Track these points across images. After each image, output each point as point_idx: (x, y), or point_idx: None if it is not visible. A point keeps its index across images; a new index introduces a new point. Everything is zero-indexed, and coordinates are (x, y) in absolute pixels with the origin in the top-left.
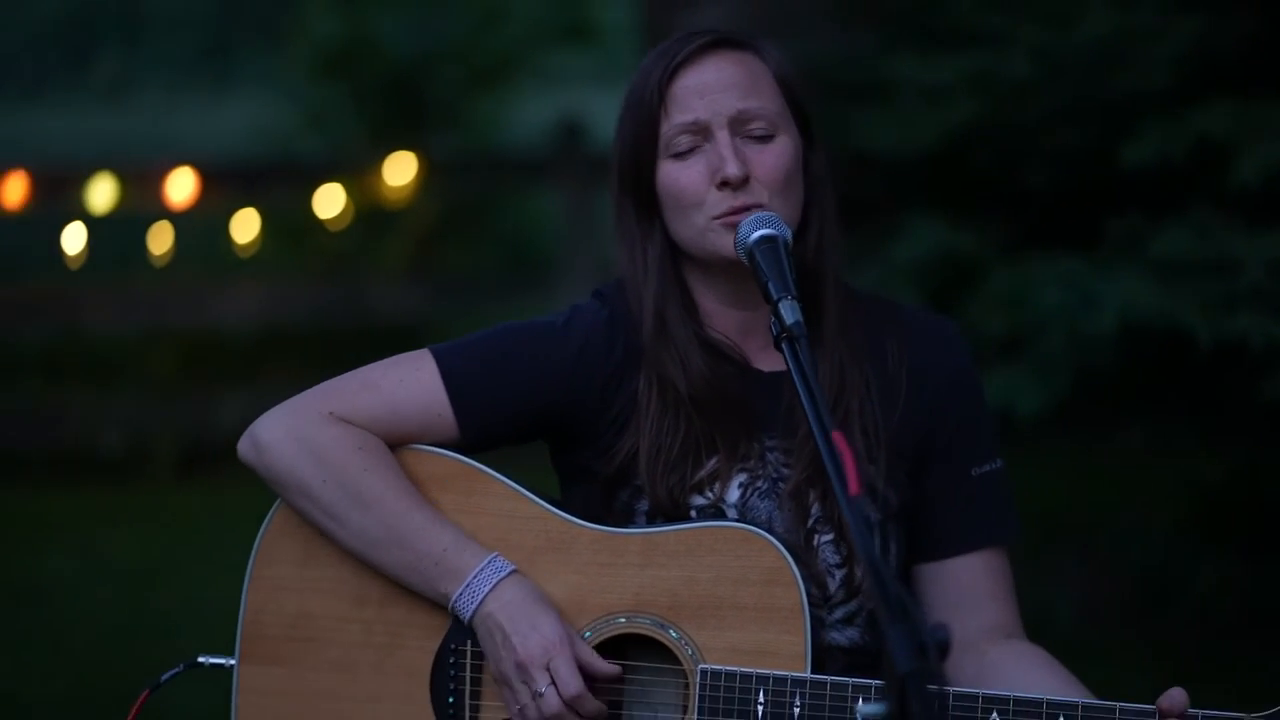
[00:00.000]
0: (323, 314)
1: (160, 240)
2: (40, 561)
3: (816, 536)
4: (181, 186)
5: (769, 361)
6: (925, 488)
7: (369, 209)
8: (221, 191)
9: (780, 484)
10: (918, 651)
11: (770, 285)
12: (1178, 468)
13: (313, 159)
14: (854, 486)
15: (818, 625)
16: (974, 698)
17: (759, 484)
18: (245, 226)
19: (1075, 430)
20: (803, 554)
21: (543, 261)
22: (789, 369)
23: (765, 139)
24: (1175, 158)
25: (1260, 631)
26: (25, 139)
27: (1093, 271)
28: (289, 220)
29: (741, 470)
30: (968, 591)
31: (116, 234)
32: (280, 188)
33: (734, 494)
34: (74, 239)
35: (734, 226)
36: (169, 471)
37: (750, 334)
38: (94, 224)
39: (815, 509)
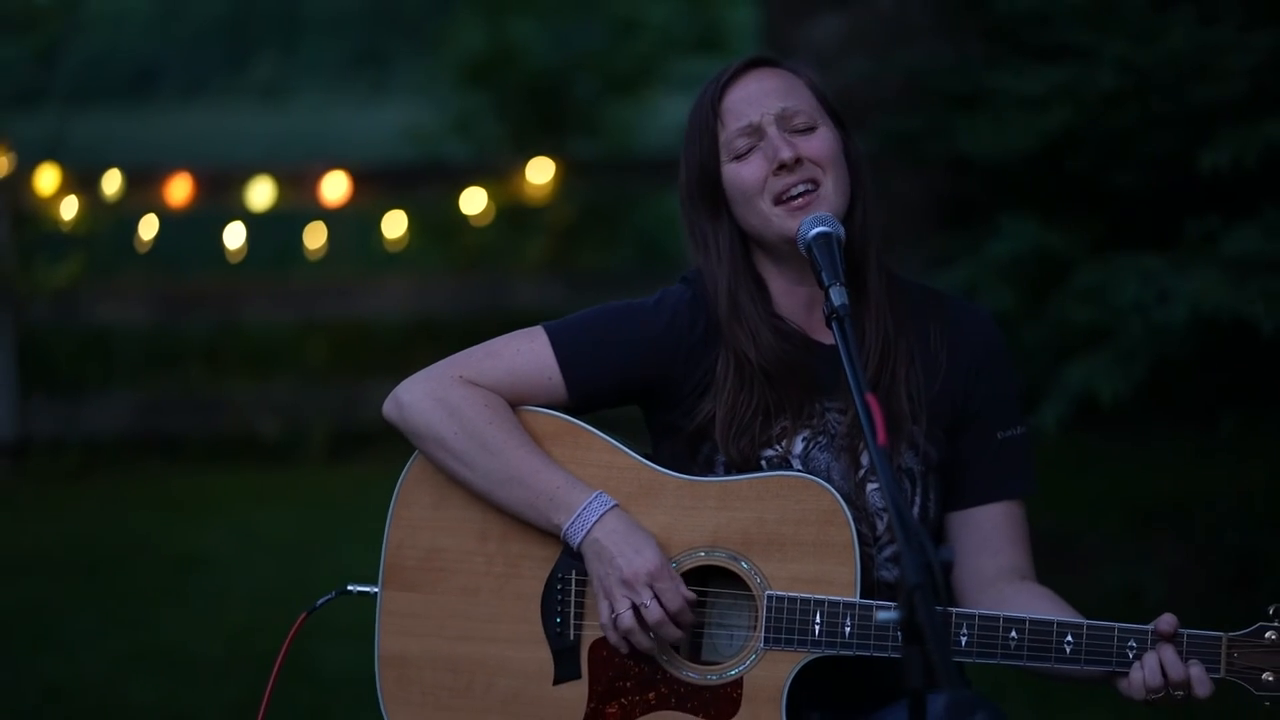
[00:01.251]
0: (466, 306)
1: (315, 237)
2: (202, 536)
3: (867, 484)
4: (335, 187)
5: (829, 335)
6: (958, 447)
7: (511, 208)
8: (372, 191)
9: (837, 440)
10: (925, 569)
11: (823, 274)
12: (1270, 455)
13: (458, 161)
14: (882, 438)
15: (868, 561)
16: (996, 619)
17: (819, 439)
18: (394, 224)
19: (1174, 420)
20: (855, 499)
21: (672, 258)
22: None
23: (809, 129)
24: (1248, 163)
25: None
26: (183, 139)
27: (1169, 268)
28: (436, 219)
29: (805, 428)
30: (989, 536)
31: (274, 232)
32: (428, 188)
33: (798, 448)
34: (235, 236)
35: (794, 209)
36: (320, 454)
37: (813, 310)
38: (253, 222)
39: (865, 460)
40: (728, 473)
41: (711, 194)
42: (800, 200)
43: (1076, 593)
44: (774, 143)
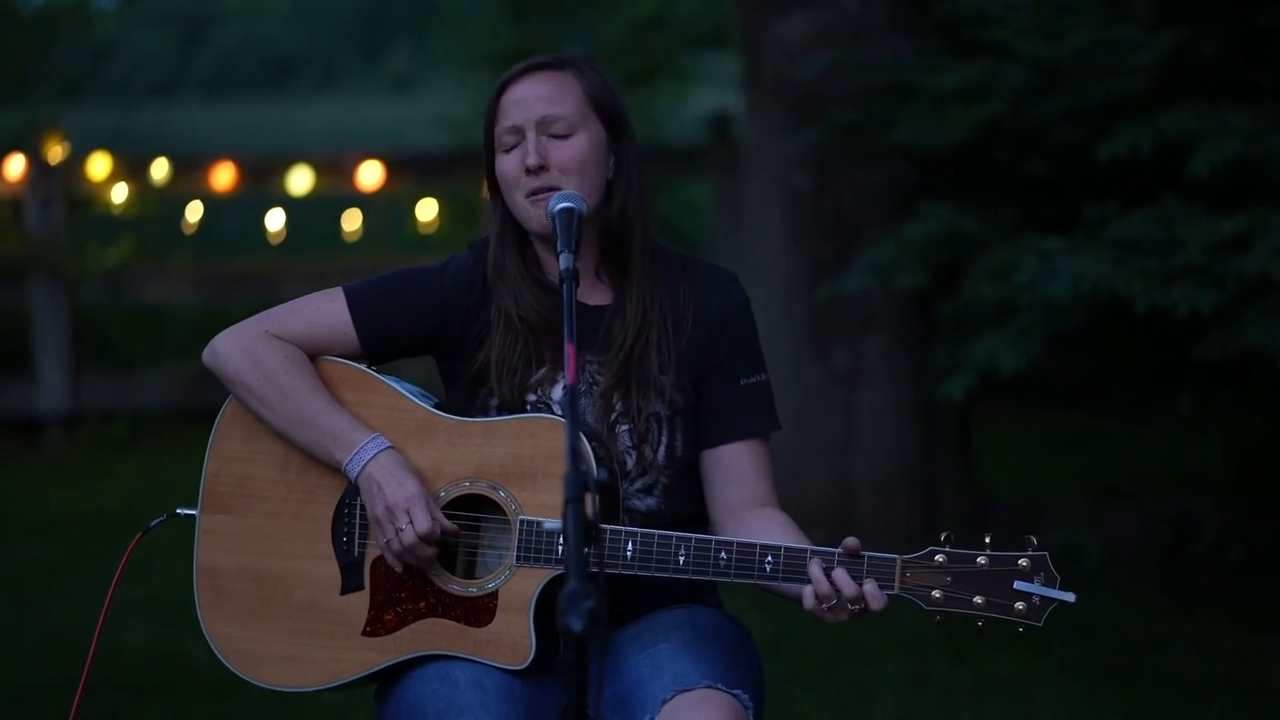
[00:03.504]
0: None
1: (351, 221)
2: None
3: (617, 427)
4: (370, 174)
5: (594, 297)
6: (705, 393)
7: None
8: (406, 178)
9: (594, 388)
10: (580, 488)
11: (558, 241)
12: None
13: None
14: (570, 379)
15: (614, 494)
16: (708, 543)
17: (579, 387)
18: (426, 209)
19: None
20: (605, 439)
21: (696, 244)
22: (610, 303)
23: (564, 136)
24: (1143, 153)
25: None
26: (314, 129)
27: (1065, 250)
28: (465, 203)
29: (564, 377)
30: (734, 470)
31: (313, 217)
32: (458, 175)
33: (557, 394)
34: (276, 220)
35: (539, 203)
36: None
37: (580, 277)
38: (293, 207)
39: (618, 406)
40: (498, 414)
41: (491, 176)
42: (540, 197)
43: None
44: (527, 147)
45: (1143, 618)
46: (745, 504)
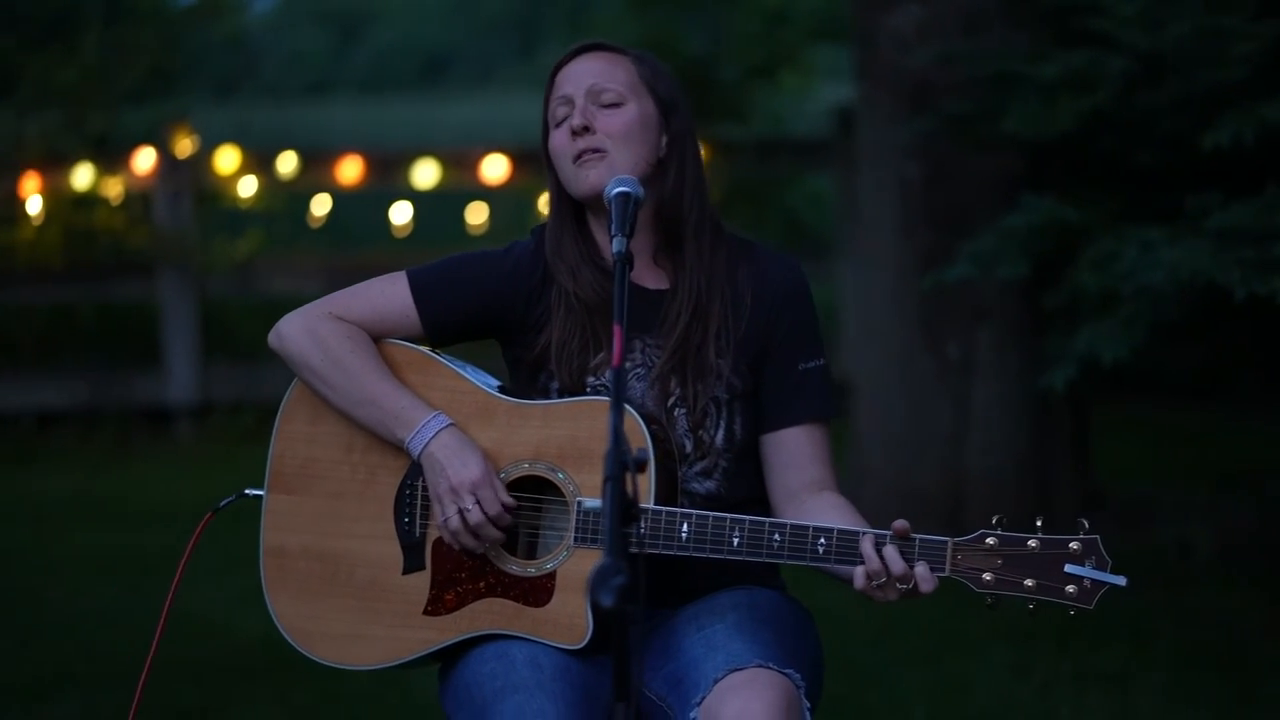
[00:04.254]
0: None
1: (476, 215)
2: None
3: (675, 411)
4: (495, 168)
5: (651, 281)
6: (764, 377)
7: None
8: (531, 171)
9: (652, 372)
10: (620, 466)
11: (612, 224)
12: None
13: None
14: (616, 361)
15: (672, 476)
16: (761, 524)
17: (637, 370)
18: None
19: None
20: (664, 423)
21: (820, 237)
22: (668, 287)
23: (614, 106)
24: (1246, 142)
25: None
26: (467, 124)
27: (1167, 240)
28: None
29: (625, 360)
30: (793, 455)
31: (438, 210)
32: None
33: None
34: (401, 213)
35: (585, 165)
36: None
37: (639, 260)
38: (419, 200)
39: (676, 390)
40: (560, 396)
41: (547, 156)
42: (586, 159)
43: (1132, 548)
44: (575, 110)
45: (1252, 611)
46: (804, 487)
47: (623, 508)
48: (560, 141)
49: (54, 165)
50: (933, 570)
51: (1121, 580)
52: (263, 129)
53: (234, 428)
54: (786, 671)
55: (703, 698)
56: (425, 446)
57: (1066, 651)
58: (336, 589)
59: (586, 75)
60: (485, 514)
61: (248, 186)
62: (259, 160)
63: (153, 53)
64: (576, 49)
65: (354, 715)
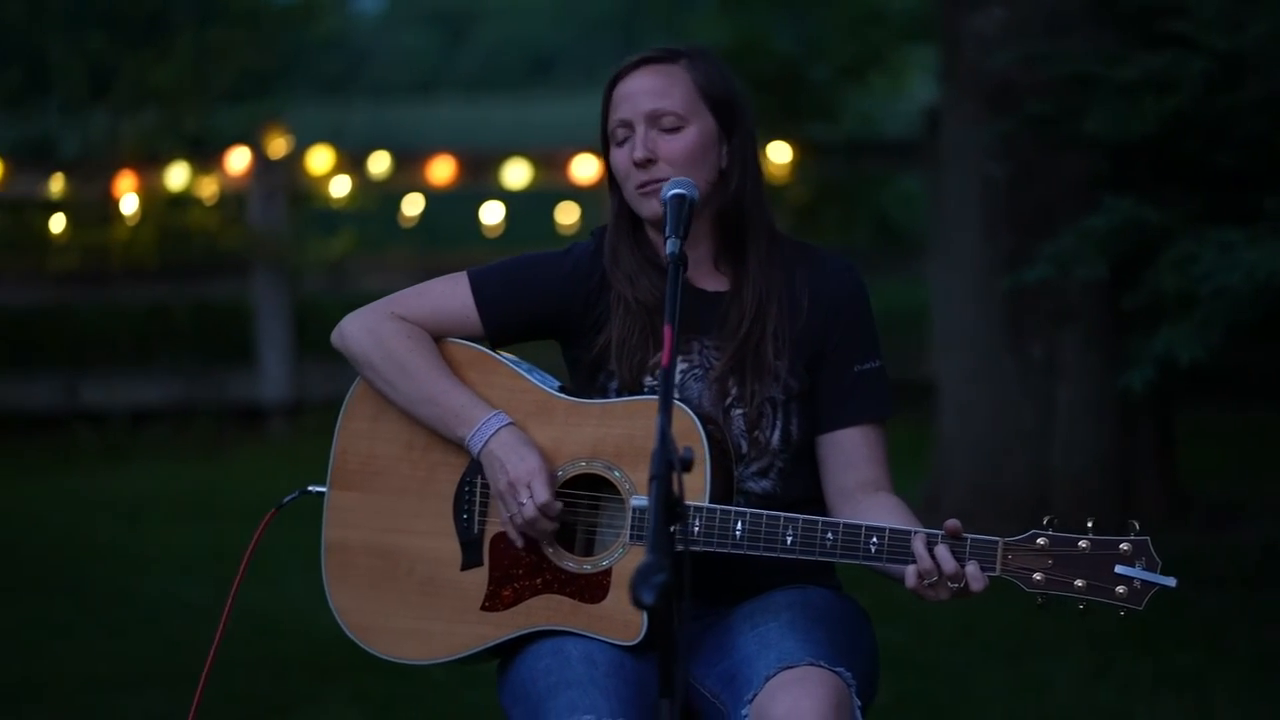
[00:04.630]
0: None
1: (567, 215)
2: None
3: (732, 411)
4: (585, 168)
5: (711, 283)
6: (820, 379)
7: None
8: None
9: (710, 372)
10: (666, 465)
11: (666, 226)
12: None
13: None
14: (665, 361)
15: (728, 475)
16: (814, 523)
17: (695, 371)
18: None
19: None
20: (721, 422)
21: (910, 238)
22: (727, 289)
23: (674, 130)
24: None
25: None
26: (573, 123)
27: (1247, 241)
28: None
29: (683, 360)
30: (849, 455)
31: (529, 210)
32: None
33: (675, 378)
34: (492, 213)
35: (649, 195)
36: None
37: (695, 265)
38: (510, 200)
39: (733, 391)
40: (618, 396)
41: (609, 169)
42: (650, 189)
43: (1215, 550)
44: (636, 141)
45: None
46: (859, 487)
47: (668, 506)
48: (621, 163)
49: (149, 165)
50: (983, 570)
51: (1171, 581)
52: (361, 129)
53: (325, 425)
54: (837, 670)
55: (754, 695)
56: (485, 444)
57: (1147, 652)
58: (396, 584)
59: (645, 98)
60: (535, 505)
61: (340, 186)
62: (352, 160)
63: (247, 54)
64: (634, 62)
65: (431, 712)
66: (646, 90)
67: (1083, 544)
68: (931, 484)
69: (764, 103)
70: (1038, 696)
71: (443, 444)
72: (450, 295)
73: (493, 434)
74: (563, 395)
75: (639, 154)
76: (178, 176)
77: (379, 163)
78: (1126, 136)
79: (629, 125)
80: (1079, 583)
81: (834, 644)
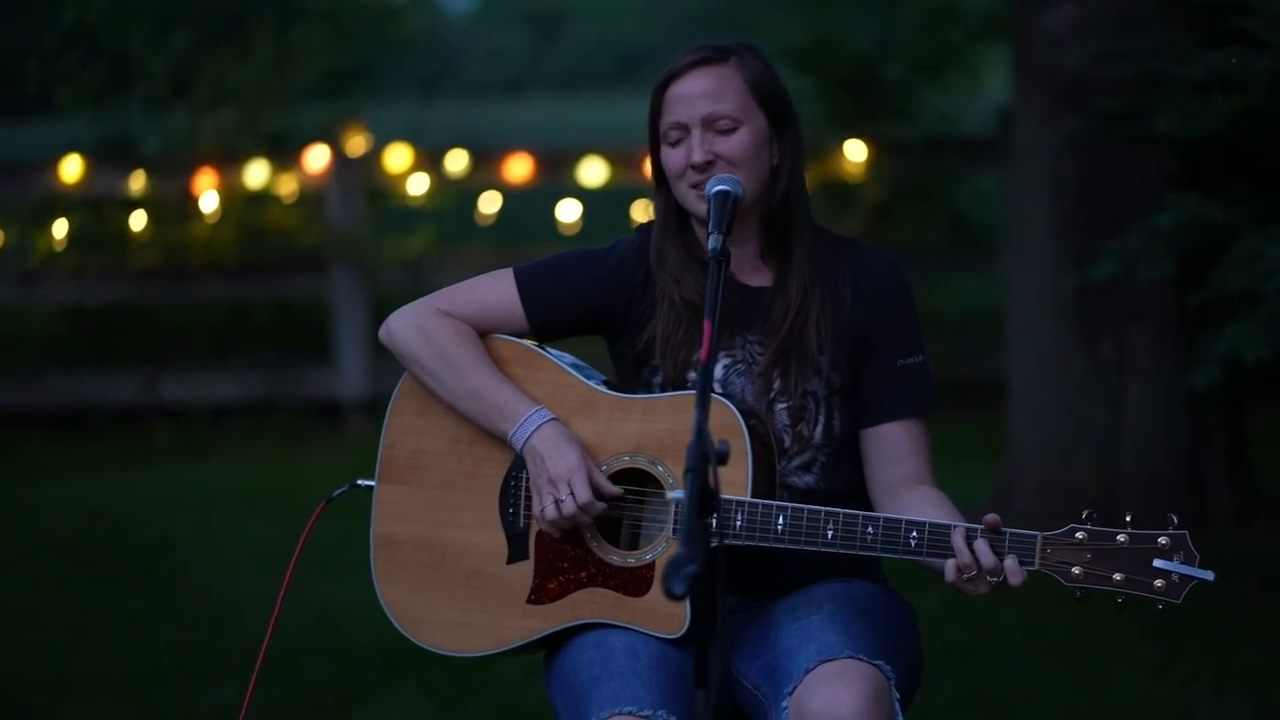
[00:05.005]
0: None
1: (644, 212)
2: None
3: (775, 405)
4: None
5: (755, 279)
6: (863, 373)
7: (828, 185)
8: None
9: (754, 367)
10: (701, 459)
11: (709, 221)
12: None
13: None
14: (704, 356)
15: (770, 469)
16: (855, 518)
17: (739, 366)
18: None
19: None
20: (764, 417)
21: (983, 233)
22: (771, 284)
23: (729, 131)
24: None
25: None
26: (607, 123)
27: None
28: None
29: (726, 355)
30: (891, 449)
31: (605, 207)
32: None
33: (719, 372)
34: (569, 211)
35: (703, 195)
36: None
37: (740, 260)
38: (586, 198)
39: (776, 385)
40: (662, 390)
41: (656, 164)
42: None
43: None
44: (692, 144)
45: None
46: (901, 481)
47: (702, 499)
48: (676, 164)
49: (229, 163)
50: (1022, 564)
51: (1210, 575)
52: (445, 128)
53: None
54: (876, 663)
55: (794, 687)
56: (528, 440)
57: (1211, 650)
58: (444, 577)
59: (701, 100)
60: (576, 503)
61: (419, 184)
62: (429, 158)
63: (326, 53)
64: (686, 63)
65: (497, 705)
66: (702, 93)
67: (1121, 538)
68: (1002, 482)
69: (839, 101)
70: (1099, 694)
71: (488, 439)
72: (497, 292)
73: (535, 429)
74: (607, 391)
75: (698, 157)
76: (257, 174)
77: (457, 161)
78: (1196, 134)
79: (683, 128)
80: (1117, 576)
81: (874, 637)
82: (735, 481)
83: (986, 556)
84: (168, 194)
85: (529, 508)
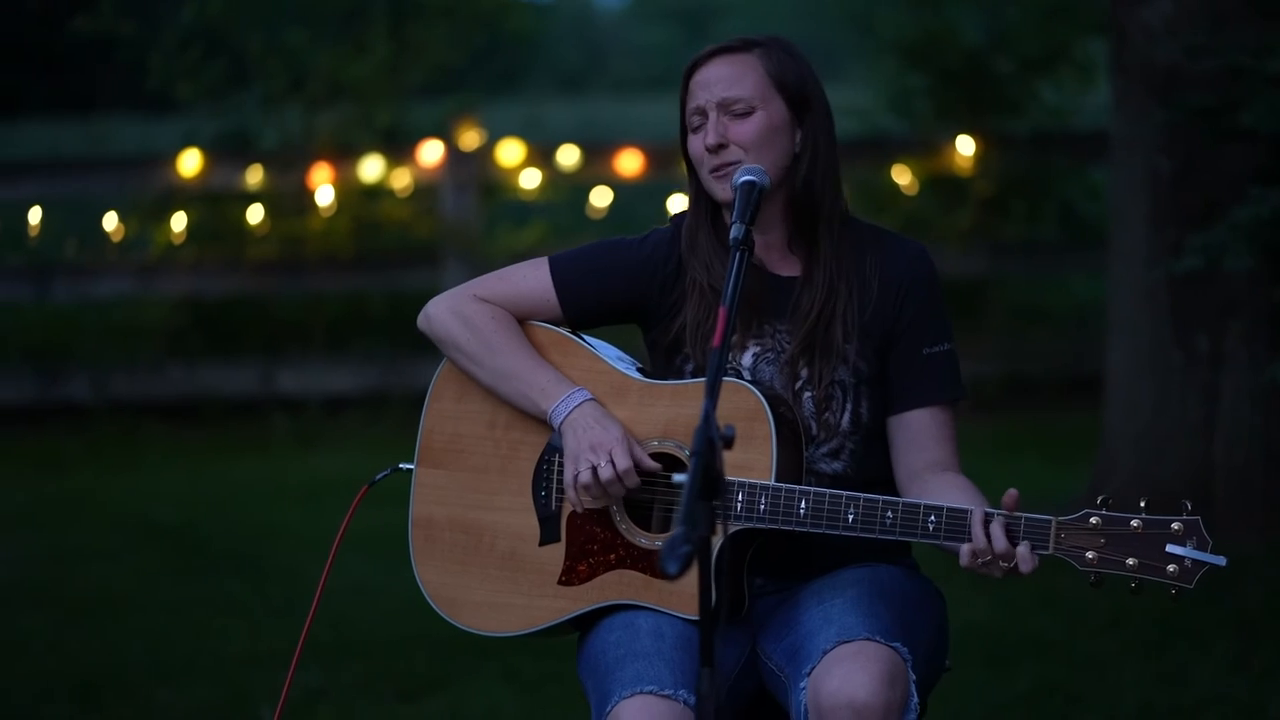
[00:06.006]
0: None
1: None
2: None
3: (802, 394)
4: None
5: (785, 269)
6: (890, 361)
7: (939, 180)
8: None
9: (782, 356)
10: (707, 443)
11: (735, 211)
12: None
13: (892, 136)
14: (716, 341)
15: (797, 457)
16: (875, 502)
17: (768, 354)
18: None
19: None
20: (792, 404)
21: (1093, 228)
22: (799, 274)
23: (744, 115)
24: None
25: None
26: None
27: None
28: (870, 187)
29: (755, 343)
30: (917, 436)
31: None
32: (862, 161)
33: (748, 360)
34: (678, 205)
35: (722, 179)
36: None
37: (769, 250)
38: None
39: (804, 374)
40: (692, 378)
41: (687, 157)
42: (722, 173)
43: None
44: (709, 127)
45: None
46: (927, 467)
47: (706, 482)
48: (696, 149)
49: (344, 157)
50: (1037, 548)
51: (1222, 560)
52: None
53: None
54: (894, 645)
55: (812, 668)
56: (568, 415)
57: None
58: (479, 559)
59: (718, 85)
60: (616, 470)
61: (530, 179)
62: (541, 153)
63: (440, 49)
64: (709, 52)
65: (578, 690)
66: (719, 79)
67: (1135, 523)
68: (1096, 475)
69: (950, 96)
70: (1174, 687)
71: (523, 423)
72: (532, 280)
73: (576, 406)
74: (639, 377)
75: (710, 139)
76: (372, 169)
77: (568, 155)
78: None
79: (703, 112)
80: (1131, 561)
81: (894, 620)
82: (760, 467)
83: (1000, 541)
84: (284, 188)
85: (561, 490)
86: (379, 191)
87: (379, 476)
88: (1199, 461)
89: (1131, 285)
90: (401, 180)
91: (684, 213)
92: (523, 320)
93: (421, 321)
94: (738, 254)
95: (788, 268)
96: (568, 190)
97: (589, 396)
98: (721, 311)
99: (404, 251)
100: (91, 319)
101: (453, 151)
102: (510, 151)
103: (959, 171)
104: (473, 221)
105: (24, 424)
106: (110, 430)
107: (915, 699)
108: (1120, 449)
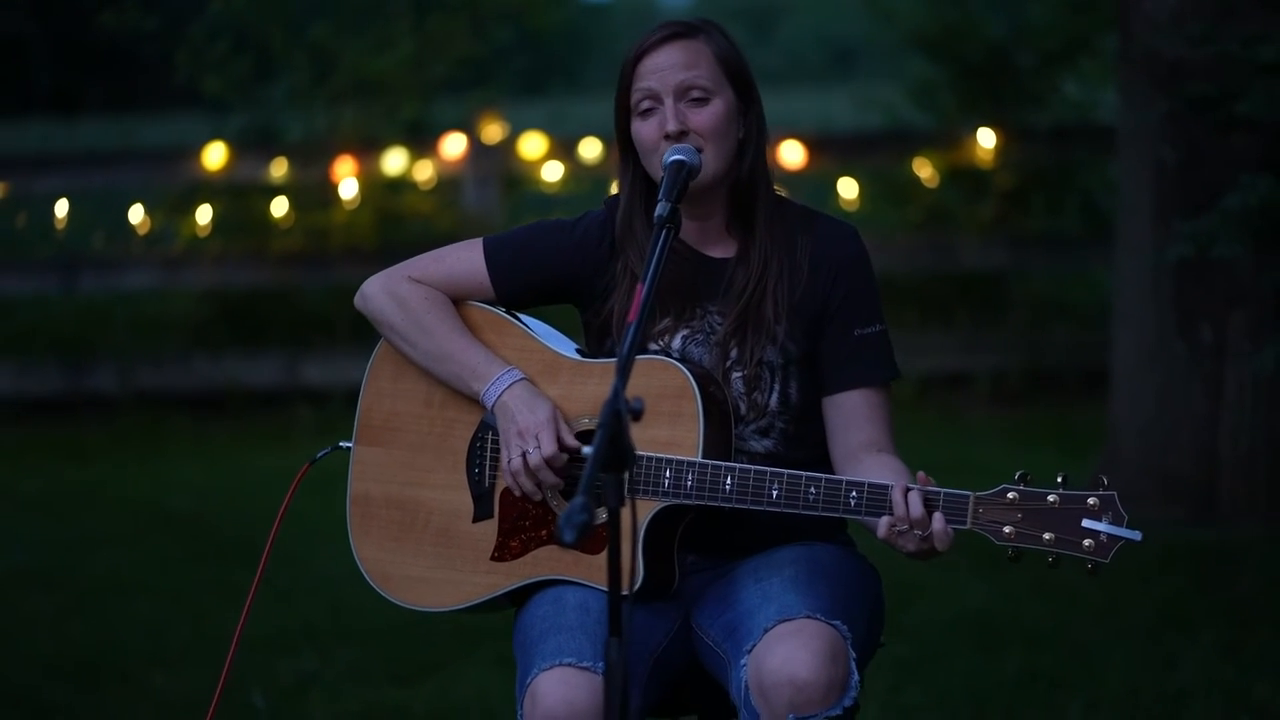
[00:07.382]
0: (917, 263)
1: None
2: None
3: (732, 373)
4: (792, 154)
5: (718, 250)
6: (822, 342)
7: (960, 172)
8: (827, 157)
9: (713, 337)
10: (614, 415)
11: (662, 189)
12: None
13: (914, 128)
14: (631, 317)
15: (725, 434)
16: (799, 478)
17: (698, 336)
18: (848, 187)
19: None
20: (721, 384)
21: (1112, 220)
22: (733, 255)
23: (701, 101)
24: None
25: None
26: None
27: None
28: (889, 181)
29: (685, 328)
30: (851, 417)
31: None
32: (882, 153)
33: (678, 343)
34: None
35: None
36: None
37: (705, 234)
38: None
39: (734, 354)
40: None
41: (624, 139)
42: None
43: None
44: (666, 113)
45: None
46: (860, 448)
47: (615, 454)
48: (648, 136)
49: (367, 150)
50: (955, 522)
51: (1137, 535)
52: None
53: None
54: (834, 623)
55: (753, 645)
56: (499, 397)
57: None
58: (414, 535)
59: (672, 71)
60: (542, 454)
61: (553, 172)
62: (563, 146)
63: (463, 43)
64: (658, 37)
65: None
66: (674, 64)
67: (1051, 498)
68: (1101, 466)
69: (971, 88)
70: (1161, 674)
71: (458, 401)
72: (465, 261)
73: (507, 387)
74: (573, 355)
75: (672, 126)
76: (395, 161)
77: (590, 148)
78: (1277, 117)
79: (655, 96)
80: (1047, 536)
81: (834, 598)
82: (687, 444)
83: (916, 508)
84: (308, 181)
85: (494, 468)
86: (402, 184)
87: (320, 454)
88: (1204, 452)
89: (1135, 277)
90: (424, 173)
91: (615, 196)
92: (458, 301)
93: (358, 300)
94: (662, 231)
95: (722, 249)
96: (590, 183)
97: (520, 377)
98: (639, 288)
99: (427, 244)
100: (118, 311)
101: (475, 145)
102: (532, 144)
103: (980, 164)
104: (494, 213)
105: (51, 415)
106: (136, 421)
107: (856, 676)
108: (1125, 440)
